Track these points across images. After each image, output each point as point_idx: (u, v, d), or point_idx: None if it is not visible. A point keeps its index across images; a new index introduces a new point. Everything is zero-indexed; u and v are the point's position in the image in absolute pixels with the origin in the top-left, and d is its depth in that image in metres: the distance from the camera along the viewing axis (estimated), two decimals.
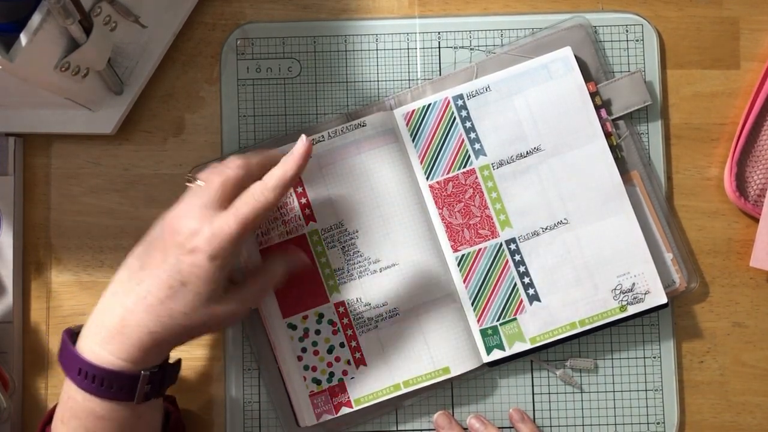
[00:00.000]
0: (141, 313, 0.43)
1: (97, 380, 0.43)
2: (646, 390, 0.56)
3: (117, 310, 0.44)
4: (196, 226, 0.44)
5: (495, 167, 0.55)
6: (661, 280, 0.54)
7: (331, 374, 0.54)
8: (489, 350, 0.54)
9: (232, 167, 0.46)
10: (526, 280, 0.55)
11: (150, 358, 0.44)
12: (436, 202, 0.55)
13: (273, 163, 0.47)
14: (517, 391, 0.56)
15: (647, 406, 0.56)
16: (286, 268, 0.51)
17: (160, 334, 0.44)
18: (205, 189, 0.45)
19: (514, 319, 0.55)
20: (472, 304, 0.55)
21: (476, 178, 0.55)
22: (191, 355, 0.57)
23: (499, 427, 0.55)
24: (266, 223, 0.55)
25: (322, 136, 0.55)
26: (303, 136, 0.48)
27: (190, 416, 0.56)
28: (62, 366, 0.45)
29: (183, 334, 0.45)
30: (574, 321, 0.54)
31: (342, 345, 0.54)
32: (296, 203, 0.55)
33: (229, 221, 0.44)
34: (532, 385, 0.56)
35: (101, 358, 0.43)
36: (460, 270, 0.55)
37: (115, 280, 0.46)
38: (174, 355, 0.48)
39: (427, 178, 0.55)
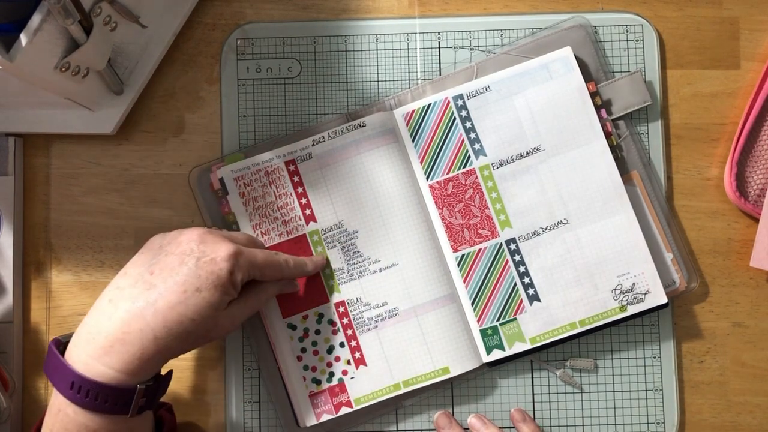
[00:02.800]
0: (148, 318, 0.43)
1: (91, 394, 0.42)
2: (646, 390, 0.56)
3: (117, 317, 0.43)
4: (224, 243, 0.46)
5: (495, 167, 0.55)
6: (661, 280, 0.54)
7: (331, 374, 0.54)
8: (489, 350, 0.54)
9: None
10: (526, 280, 0.55)
11: (147, 368, 0.44)
12: (436, 202, 0.55)
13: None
14: (517, 391, 0.56)
15: (647, 406, 0.56)
16: (278, 291, 0.53)
17: (164, 341, 0.43)
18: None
19: (514, 319, 0.55)
20: (472, 304, 0.55)
21: (476, 178, 0.55)
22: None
23: (500, 427, 0.55)
24: (266, 222, 0.55)
25: (322, 137, 0.55)
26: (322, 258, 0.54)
27: (190, 417, 0.56)
28: (51, 379, 0.43)
29: (185, 341, 0.44)
30: (574, 321, 0.54)
31: (342, 345, 0.54)
32: (296, 203, 0.55)
33: (258, 252, 0.48)
34: (532, 385, 0.56)
35: (95, 371, 0.42)
36: (460, 270, 0.55)
37: (111, 288, 0.45)
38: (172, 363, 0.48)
39: (427, 178, 0.55)
